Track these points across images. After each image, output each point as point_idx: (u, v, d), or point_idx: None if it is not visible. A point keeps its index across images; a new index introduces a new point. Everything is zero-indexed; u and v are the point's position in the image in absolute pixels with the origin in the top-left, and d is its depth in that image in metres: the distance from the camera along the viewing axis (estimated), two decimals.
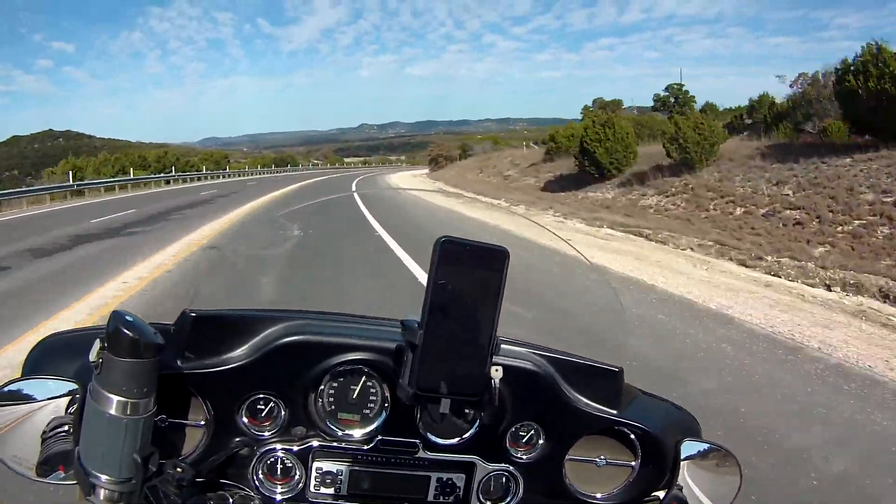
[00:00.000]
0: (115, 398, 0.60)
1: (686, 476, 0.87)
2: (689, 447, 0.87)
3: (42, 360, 0.80)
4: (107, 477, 0.61)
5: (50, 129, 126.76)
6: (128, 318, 0.61)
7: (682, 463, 0.86)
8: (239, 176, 41.08)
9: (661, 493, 0.88)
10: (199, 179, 33.58)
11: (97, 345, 0.61)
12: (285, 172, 53.75)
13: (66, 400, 0.70)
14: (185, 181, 31.54)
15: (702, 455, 0.88)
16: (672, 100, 36.99)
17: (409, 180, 37.18)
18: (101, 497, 0.62)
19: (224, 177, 37.68)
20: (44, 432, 0.68)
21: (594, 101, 45.23)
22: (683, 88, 36.84)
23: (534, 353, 0.85)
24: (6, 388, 0.70)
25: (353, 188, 22.25)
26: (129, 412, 0.61)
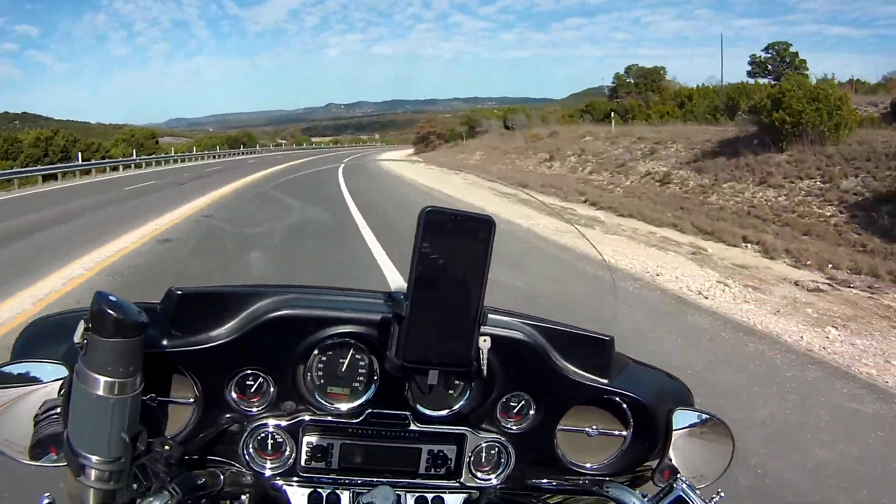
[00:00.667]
0: (101, 378, 0.60)
1: (678, 445, 0.86)
2: (680, 416, 0.86)
3: (31, 344, 0.80)
4: (96, 457, 0.61)
5: (6, 112, 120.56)
6: (111, 298, 0.61)
7: (673, 432, 0.86)
8: (158, 164, 27.29)
9: (653, 463, 0.87)
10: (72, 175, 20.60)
11: (81, 326, 0.61)
12: (232, 157, 38.18)
13: (57, 383, 0.69)
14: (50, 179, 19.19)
15: (693, 424, 0.88)
16: (775, 63, 27.24)
17: (426, 175, 18.46)
18: (91, 477, 0.62)
19: (122, 168, 23.93)
20: (36, 415, 0.68)
21: (628, 70, 36.61)
22: (791, 49, 27.82)
23: (523, 322, 0.84)
24: None
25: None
26: (115, 392, 0.61)
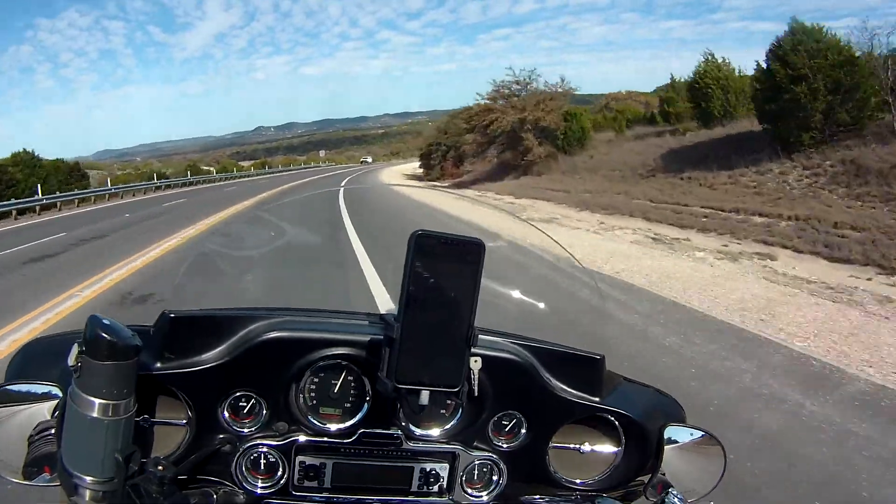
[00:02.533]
0: (95, 400, 0.61)
1: (670, 460, 0.87)
2: (672, 432, 0.88)
3: (26, 365, 0.80)
4: (89, 477, 0.62)
5: None
6: (105, 321, 0.62)
7: (665, 447, 0.86)
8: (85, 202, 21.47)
9: (645, 478, 0.88)
10: None
11: (75, 349, 0.61)
12: (180, 189, 29.46)
13: (51, 404, 0.69)
14: None
15: (685, 440, 0.89)
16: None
17: None
18: (85, 497, 0.62)
19: None
20: (30, 436, 0.68)
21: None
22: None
23: (513, 342, 0.85)
24: None
25: None
26: (109, 414, 0.62)
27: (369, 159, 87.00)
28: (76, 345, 0.61)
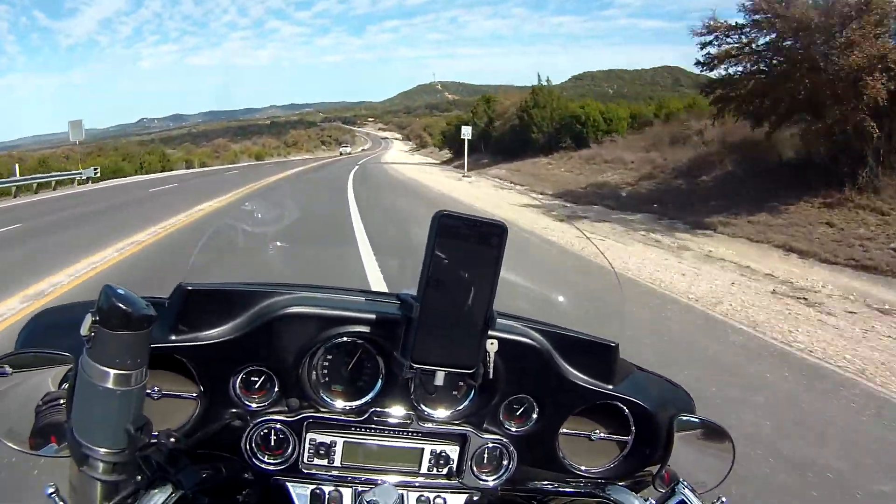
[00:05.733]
0: (108, 370, 0.60)
1: (679, 451, 0.87)
2: (682, 423, 0.88)
3: (36, 335, 0.81)
4: (100, 448, 0.62)
5: None
6: (119, 291, 0.61)
7: (675, 438, 0.87)
8: None
9: (654, 468, 0.88)
10: None
11: (89, 318, 0.60)
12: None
13: (59, 373, 0.70)
14: None
15: (695, 431, 0.89)
16: None
17: None
18: (95, 468, 0.62)
19: None
20: (38, 406, 0.68)
21: None
22: None
23: (529, 326, 0.85)
24: (0, 363, 0.69)
25: None
26: (121, 384, 0.61)
27: (347, 149, 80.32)
28: (89, 314, 0.60)
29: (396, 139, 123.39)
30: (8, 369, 0.69)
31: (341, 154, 69.96)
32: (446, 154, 41.26)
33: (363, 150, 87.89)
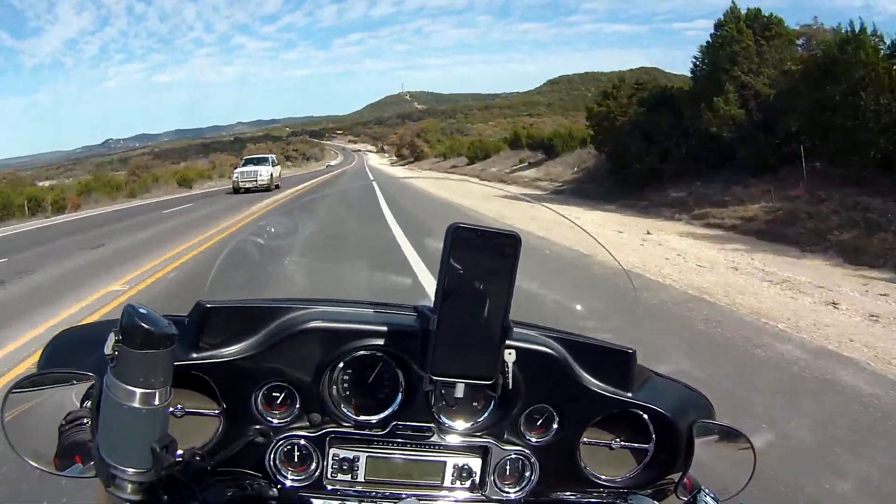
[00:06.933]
0: (133, 389, 0.60)
1: (700, 458, 0.86)
2: (702, 429, 0.87)
3: (58, 355, 0.82)
4: (126, 468, 0.61)
5: None
6: (141, 310, 0.61)
7: (696, 445, 0.86)
8: None
9: (675, 476, 0.88)
10: None
11: (112, 338, 0.60)
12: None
13: (81, 391, 0.69)
14: None
15: (715, 436, 0.89)
16: None
17: None
18: (122, 488, 0.62)
19: None
20: (61, 425, 0.68)
21: None
22: None
23: (546, 335, 0.85)
24: (24, 383, 0.69)
25: None
26: (146, 402, 0.61)
27: (332, 163, 76.54)
28: (112, 333, 0.61)
29: (370, 151, 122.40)
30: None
31: (327, 168, 64.23)
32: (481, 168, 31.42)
33: (328, 165, 75.21)
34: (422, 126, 78.90)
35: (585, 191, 17.40)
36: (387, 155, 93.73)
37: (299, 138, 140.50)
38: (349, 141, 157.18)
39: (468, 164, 35.23)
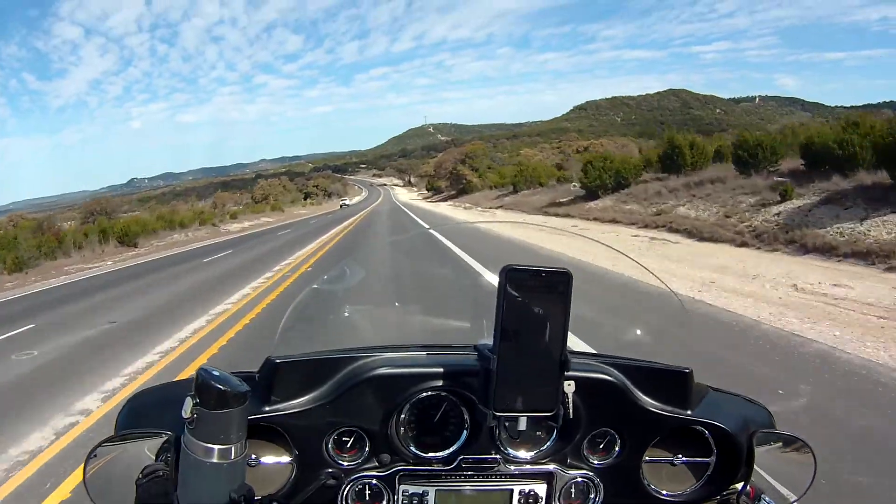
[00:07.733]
0: (211, 447, 0.65)
1: (761, 467, 0.88)
2: (762, 438, 0.89)
3: (133, 415, 0.85)
4: None
5: None
6: (214, 372, 0.66)
7: (756, 454, 0.88)
8: None
9: (737, 486, 0.89)
10: None
11: (189, 402, 0.65)
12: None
13: (155, 445, 0.72)
14: None
15: (775, 445, 0.90)
16: None
17: None
18: None
19: None
20: (138, 479, 0.70)
21: None
22: None
23: (602, 361, 0.88)
24: (105, 445, 0.73)
25: None
26: (224, 457, 0.65)
27: (348, 201, 73.28)
28: (189, 397, 0.65)
29: (396, 185, 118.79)
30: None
31: (342, 206, 59.77)
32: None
33: (352, 202, 72.42)
34: (468, 150, 62.71)
35: None
36: (415, 189, 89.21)
37: (321, 174, 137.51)
38: (374, 175, 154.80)
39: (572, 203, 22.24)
